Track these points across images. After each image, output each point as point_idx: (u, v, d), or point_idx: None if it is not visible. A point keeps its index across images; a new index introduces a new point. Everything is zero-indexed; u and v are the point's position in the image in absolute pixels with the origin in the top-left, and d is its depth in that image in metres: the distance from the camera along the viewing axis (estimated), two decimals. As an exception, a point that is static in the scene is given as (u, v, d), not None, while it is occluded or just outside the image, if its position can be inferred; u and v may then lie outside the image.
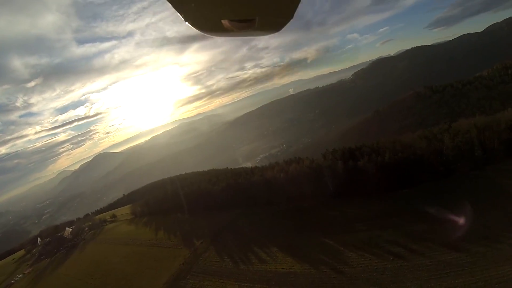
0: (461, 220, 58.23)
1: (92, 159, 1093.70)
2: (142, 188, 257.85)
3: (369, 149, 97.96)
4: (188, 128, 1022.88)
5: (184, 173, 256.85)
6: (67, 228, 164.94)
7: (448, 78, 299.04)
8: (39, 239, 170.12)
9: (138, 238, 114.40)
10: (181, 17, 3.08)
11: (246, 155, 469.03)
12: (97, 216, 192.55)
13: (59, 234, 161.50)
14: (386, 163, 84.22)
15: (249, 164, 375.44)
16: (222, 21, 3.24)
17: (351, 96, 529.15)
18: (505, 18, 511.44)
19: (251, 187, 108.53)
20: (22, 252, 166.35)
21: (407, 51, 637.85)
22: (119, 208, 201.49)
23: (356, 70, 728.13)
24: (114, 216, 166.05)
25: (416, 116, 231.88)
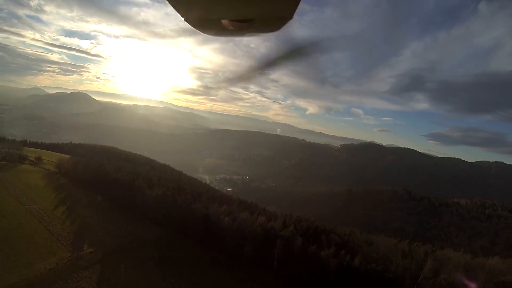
0: None
1: (71, 93, 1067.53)
2: (91, 146, 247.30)
3: (339, 239, 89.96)
4: (170, 114, 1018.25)
5: (138, 154, 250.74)
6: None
7: (427, 191, 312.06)
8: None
9: (35, 201, 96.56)
10: (181, 17, 3.29)
11: (209, 167, 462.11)
12: (27, 149, 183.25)
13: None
14: (355, 268, 72.88)
15: (206, 178, 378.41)
16: (222, 21, 3.40)
17: (331, 164, 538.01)
18: (496, 160, 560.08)
19: (188, 214, 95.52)
20: None
21: (399, 148, 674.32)
22: (53, 153, 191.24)
23: (346, 143, 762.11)
24: (39, 159, 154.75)
25: (385, 212, 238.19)
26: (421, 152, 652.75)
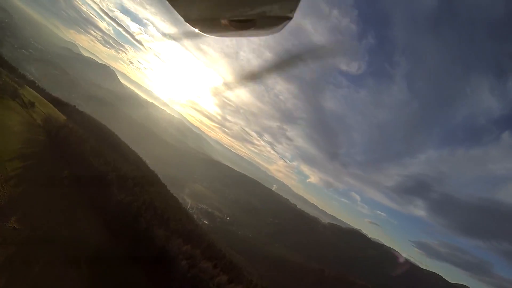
0: None
1: (101, 64, 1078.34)
2: (91, 120, 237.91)
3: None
4: (181, 128, 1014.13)
5: (132, 149, 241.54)
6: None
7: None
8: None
9: None
10: (181, 17, 3.36)
11: (196, 193, 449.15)
12: (29, 89, 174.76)
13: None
14: None
15: (189, 202, 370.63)
16: (222, 21, 3.40)
17: (313, 238, 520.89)
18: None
19: (145, 237, 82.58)
20: None
21: (383, 245, 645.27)
22: (52, 107, 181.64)
23: (334, 222, 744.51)
24: (31, 104, 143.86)
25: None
26: (404, 256, 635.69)
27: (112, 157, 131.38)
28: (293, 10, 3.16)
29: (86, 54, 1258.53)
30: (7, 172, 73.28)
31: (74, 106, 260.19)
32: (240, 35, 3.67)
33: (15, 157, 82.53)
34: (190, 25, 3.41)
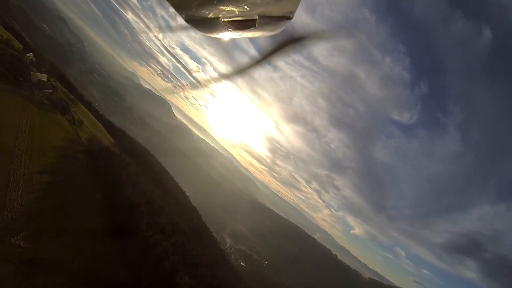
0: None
1: (158, 96, 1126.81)
2: (137, 146, 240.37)
3: None
4: (229, 167, 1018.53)
5: (175, 181, 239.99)
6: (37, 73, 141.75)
7: None
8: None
9: (30, 147, 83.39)
10: (181, 17, 3.42)
11: (236, 233, 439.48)
12: (83, 109, 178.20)
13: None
14: None
15: (228, 241, 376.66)
16: (222, 21, 3.48)
17: None
18: None
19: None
20: None
21: None
22: (102, 129, 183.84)
23: (375, 278, 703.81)
24: (80, 122, 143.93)
25: None
26: None
27: (150, 188, 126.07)
28: (293, 10, 3.19)
29: (145, 85, 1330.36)
30: (32, 184, 68.45)
31: (125, 131, 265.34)
32: (240, 35, 3.69)
33: (45, 171, 78.21)
34: (191, 25, 3.48)
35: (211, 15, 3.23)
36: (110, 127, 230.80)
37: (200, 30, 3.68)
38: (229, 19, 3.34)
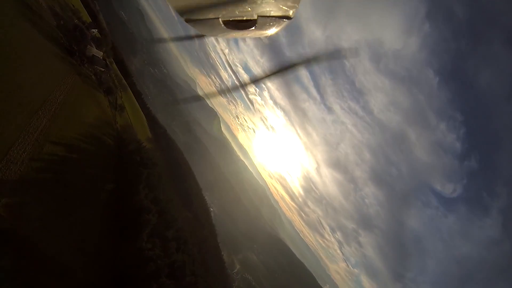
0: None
1: (210, 107, 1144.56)
2: (176, 150, 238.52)
3: None
4: (261, 195, 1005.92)
5: (201, 193, 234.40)
6: (94, 48, 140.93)
7: None
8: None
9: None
10: (181, 17, 3.46)
11: (246, 261, 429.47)
12: (130, 96, 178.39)
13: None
14: None
15: (237, 266, 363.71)
16: (222, 21, 3.52)
17: None
18: None
19: None
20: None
21: None
22: (144, 122, 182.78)
23: None
24: (121, 107, 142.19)
25: None
26: None
27: (168, 196, 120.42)
28: (293, 10, 3.24)
29: (200, 93, 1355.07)
30: (40, 151, 63.42)
31: (166, 130, 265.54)
32: (240, 35, 3.75)
33: (62, 143, 73.43)
34: (191, 25, 3.52)
35: (211, 15, 3.26)
36: (153, 122, 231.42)
37: (200, 31, 3.68)
38: (229, 19, 3.37)
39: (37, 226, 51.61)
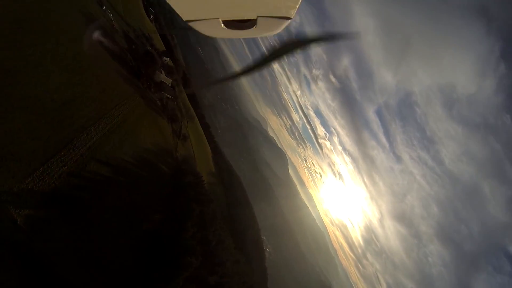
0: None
1: (279, 148, 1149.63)
2: (239, 189, 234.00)
3: None
4: (320, 241, 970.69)
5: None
6: (163, 75, 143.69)
7: None
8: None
9: None
10: (181, 17, 3.46)
11: None
12: (194, 118, 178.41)
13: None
14: None
15: None
16: (222, 21, 3.58)
17: None
18: None
19: None
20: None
21: None
22: (207, 146, 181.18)
23: None
24: (185, 136, 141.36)
25: None
26: None
27: (219, 237, 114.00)
28: (293, 10, 3.27)
29: (271, 133, 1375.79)
30: (82, 168, 59.51)
31: (231, 166, 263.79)
32: (240, 35, 3.73)
33: (110, 164, 69.99)
34: (191, 25, 3.47)
35: (211, 15, 3.29)
36: (218, 156, 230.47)
37: (200, 31, 3.60)
38: (229, 19, 3.40)
39: (56, 246, 46.83)
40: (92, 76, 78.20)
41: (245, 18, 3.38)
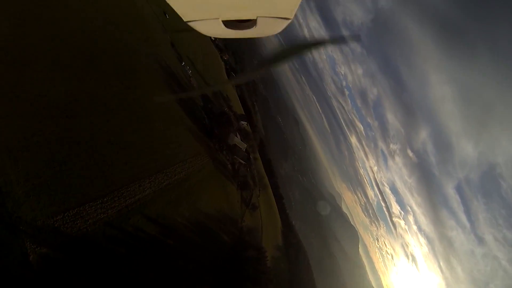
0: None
1: (352, 225, 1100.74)
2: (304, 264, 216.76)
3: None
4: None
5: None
6: (238, 139, 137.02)
7: None
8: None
9: None
10: (181, 17, 3.35)
11: None
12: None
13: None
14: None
15: None
16: (222, 21, 3.45)
17: None
18: None
19: None
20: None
21: None
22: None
23: None
24: (255, 206, 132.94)
25: None
26: None
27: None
28: (292, 11, 3.17)
29: (344, 209, 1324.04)
30: (124, 220, 51.92)
31: (300, 241, 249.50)
32: (240, 35, 3.65)
33: (159, 222, 61.87)
34: (191, 25, 3.41)
35: (211, 15, 3.21)
36: (288, 230, 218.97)
37: (200, 31, 3.52)
38: (229, 19, 3.33)
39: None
40: (158, 127, 74.51)
41: (245, 18, 3.33)
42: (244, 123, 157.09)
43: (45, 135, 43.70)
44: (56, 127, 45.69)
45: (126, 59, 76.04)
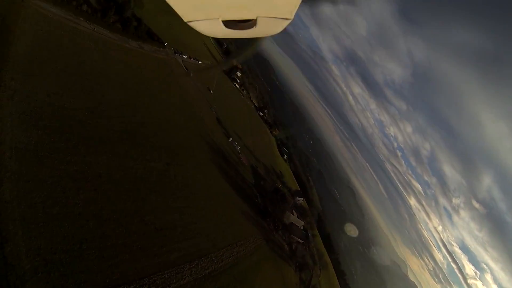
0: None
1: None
2: None
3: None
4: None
5: None
6: (294, 216, 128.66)
7: None
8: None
9: None
10: (182, 17, 3.40)
11: None
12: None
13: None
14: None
15: None
16: (222, 21, 3.50)
17: None
18: None
19: None
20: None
21: None
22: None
23: None
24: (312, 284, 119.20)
25: None
26: None
27: None
28: (292, 11, 3.22)
29: (411, 278, 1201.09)
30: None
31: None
32: (240, 35, 3.64)
33: None
34: (191, 25, 3.39)
35: (211, 15, 3.23)
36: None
37: (200, 31, 3.50)
38: (229, 19, 3.33)
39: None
40: (203, 206, 68.01)
41: (245, 18, 3.33)
42: (300, 199, 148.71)
43: (67, 207, 39.05)
44: (80, 199, 41.10)
45: (172, 136, 73.49)
